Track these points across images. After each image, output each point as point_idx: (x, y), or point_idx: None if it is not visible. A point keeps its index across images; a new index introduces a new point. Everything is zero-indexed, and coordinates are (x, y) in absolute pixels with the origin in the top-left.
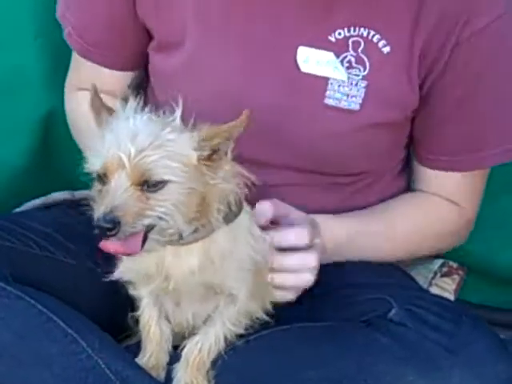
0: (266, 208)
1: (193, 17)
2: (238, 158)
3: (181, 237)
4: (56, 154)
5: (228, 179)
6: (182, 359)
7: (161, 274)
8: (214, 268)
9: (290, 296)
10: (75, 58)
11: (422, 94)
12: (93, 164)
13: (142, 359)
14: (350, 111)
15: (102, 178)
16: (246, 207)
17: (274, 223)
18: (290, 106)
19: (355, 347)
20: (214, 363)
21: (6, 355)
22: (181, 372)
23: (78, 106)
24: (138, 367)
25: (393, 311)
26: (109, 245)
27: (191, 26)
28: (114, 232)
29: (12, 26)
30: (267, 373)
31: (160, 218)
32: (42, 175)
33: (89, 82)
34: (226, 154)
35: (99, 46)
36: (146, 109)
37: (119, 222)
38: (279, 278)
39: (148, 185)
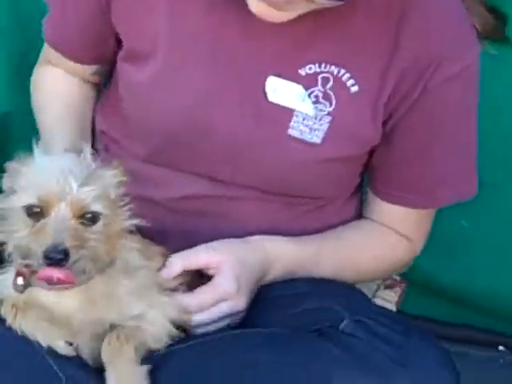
0: (174, 263)
1: (165, 32)
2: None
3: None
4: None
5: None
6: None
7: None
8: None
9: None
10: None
11: (384, 131)
12: (26, 198)
13: None
14: (311, 144)
15: (37, 211)
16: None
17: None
18: (254, 133)
19: (304, 355)
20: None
21: None
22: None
23: (42, 79)
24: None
25: (344, 322)
26: (53, 273)
27: (162, 41)
28: (64, 262)
29: None
30: (214, 376)
31: (94, 251)
32: None
33: (58, 61)
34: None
35: (68, 40)
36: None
37: (68, 254)
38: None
39: (84, 218)
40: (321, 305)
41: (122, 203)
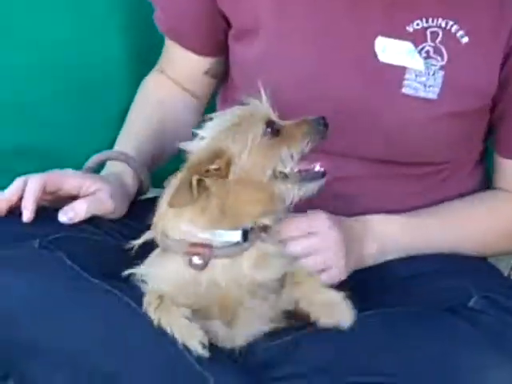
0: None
1: (270, 8)
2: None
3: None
4: None
5: None
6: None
7: (201, 285)
8: (265, 265)
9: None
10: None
11: (499, 80)
12: (256, 129)
13: None
14: (427, 100)
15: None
16: None
17: None
18: (367, 95)
19: (437, 332)
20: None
21: (99, 348)
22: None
23: (149, 84)
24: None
25: (473, 300)
26: None
27: (268, 15)
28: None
29: (96, 20)
30: (353, 356)
31: None
32: None
33: (169, 64)
34: None
35: (181, 26)
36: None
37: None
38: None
39: None
40: (449, 283)
41: None
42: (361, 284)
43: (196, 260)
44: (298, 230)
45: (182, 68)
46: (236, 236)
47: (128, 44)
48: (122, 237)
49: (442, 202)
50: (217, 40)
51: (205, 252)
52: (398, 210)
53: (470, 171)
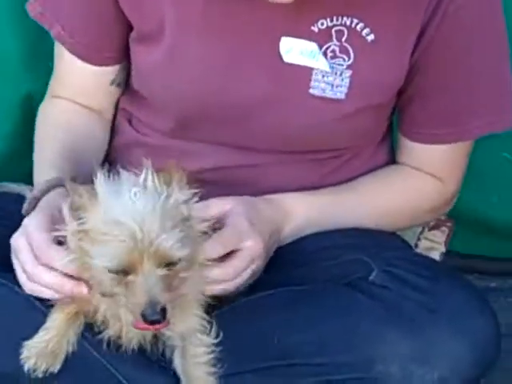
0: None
1: (172, 8)
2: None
3: None
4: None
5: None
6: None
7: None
8: None
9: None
10: (55, 55)
11: (409, 65)
12: (106, 262)
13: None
14: (335, 100)
15: (122, 270)
16: None
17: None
18: (275, 96)
19: (338, 309)
20: None
21: None
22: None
23: (51, 110)
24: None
25: (373, 273)
26: (146, 325)
27: (170, 18)
28: (163, 320)
29: None
30: (253, 337)
31: (183, 294)
32: (21, 160)
33: (63, 83)
34: None
35: (77, 35)
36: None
37: (166, 310)
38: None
39: (168, 266)
40: (351, 257)
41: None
42: (271, 258)
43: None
44: (224, 251)
45: (83, 83)
46: None
47: (22, 35)
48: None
49: (349, 179)
50: (121, 46)
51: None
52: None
53: (373, 152)
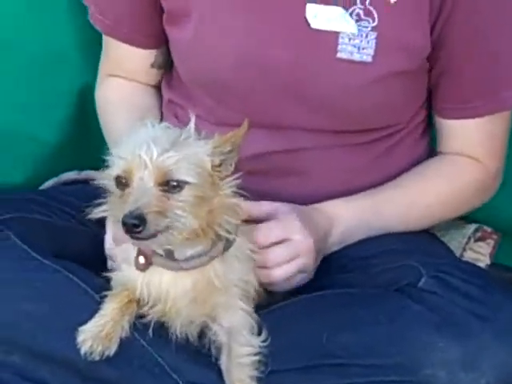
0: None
1: None
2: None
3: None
4: (91, 128)
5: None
6: None
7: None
8: (209, 290)
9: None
10: (104, 42)
11: (433, 39)
12: (114, 169)
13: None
14: (362, 63)
15: (123, 181)
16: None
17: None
18: (303, 62)
19: (388, 313)
20: None
21: (45, 328)
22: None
23: (108, 92)
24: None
25: (423, 280)
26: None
27: None
28: (140, 229)
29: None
30: (301, 336)
31: (177, 220)
32: (76, 150)
33: (116, 65)
34: (231, 165)
35: (120, 23)
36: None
37: (145, 220)
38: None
39: (169, 185)
40: (400, 263)
41: (225, 175)
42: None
43: (141, 259)
44: (275, 238)
45: (129, 64)
46: (159, 250)
47: (80, 20)
48: (71, 217)
49: (393, 172)
50: (157, 30)
51: (147, 253)
52: (349, 183)
53: (417, 138)
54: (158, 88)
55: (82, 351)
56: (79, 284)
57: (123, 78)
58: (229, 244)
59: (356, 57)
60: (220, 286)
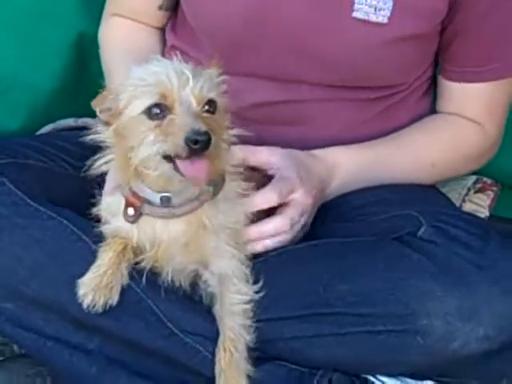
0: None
1: None
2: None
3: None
4: (88, 76)
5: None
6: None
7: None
8: (200, 234)
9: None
10: None
11: (449, 4)
12: (145, 100)
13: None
14: (378, 24)
15: (159, 110)
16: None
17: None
18: (318, 20)
19: (386, 261)
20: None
21: (39, 274)
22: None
23: (111, 31)
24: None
25: (422, 229)
26: (200, 165)
27: None
28: (209, 145)
29: None
30: (298, 285)
31: (221, 139)
32: (73, 98)
33: (122, 5)
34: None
35: None
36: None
37: (210, 135)
38: (259, 246)
39: (206, 107)
40: (399, 212)
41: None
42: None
43: (130, 211)
44: (280, 198)
45: (137, 4)
46: (155, 198)
47: None
48: (67, 164)
49: (393, 127)
50: None
51: (136, 204)
52: (350, 136)
53: (421, 96)
54: (161, 32)
55: (84, 305)
56: (74, 231)
57: (128, 18)
58: (218, 189)
59: (372, 17)
60: (211, 229)
